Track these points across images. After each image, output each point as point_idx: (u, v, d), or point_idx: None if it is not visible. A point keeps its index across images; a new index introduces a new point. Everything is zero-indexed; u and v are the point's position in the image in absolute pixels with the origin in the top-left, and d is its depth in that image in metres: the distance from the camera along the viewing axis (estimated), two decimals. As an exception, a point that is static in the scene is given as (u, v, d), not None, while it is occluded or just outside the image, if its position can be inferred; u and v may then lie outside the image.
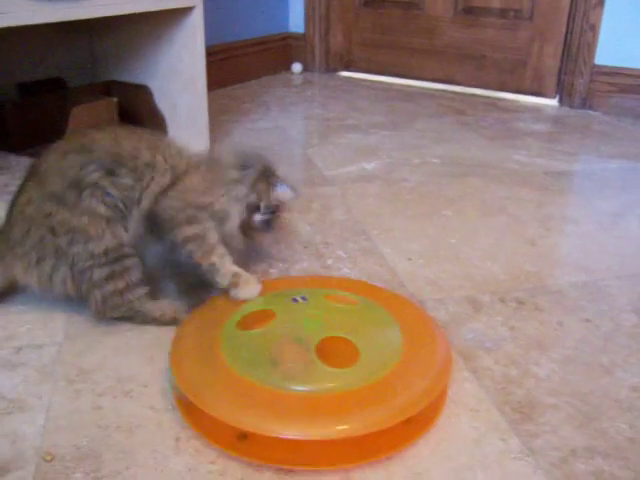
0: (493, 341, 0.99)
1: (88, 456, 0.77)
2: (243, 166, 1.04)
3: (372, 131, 2.06)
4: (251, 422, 0.73)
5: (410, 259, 1.23)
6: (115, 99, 1.62)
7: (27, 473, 0.74)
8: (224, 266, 0.97)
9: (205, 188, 1.00)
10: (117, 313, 0.98)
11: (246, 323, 0.90)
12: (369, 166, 1.73)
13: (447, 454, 0.77)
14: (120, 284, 0.96)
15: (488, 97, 2.55)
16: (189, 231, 0.97)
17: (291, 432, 0.73)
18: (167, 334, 0.95)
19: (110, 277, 0.95)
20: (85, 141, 0.99)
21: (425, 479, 0.73)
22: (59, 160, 0.98)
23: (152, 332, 1.00)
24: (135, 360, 0.93)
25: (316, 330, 0.86)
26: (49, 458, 0.76)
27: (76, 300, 0.99)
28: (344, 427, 0.73)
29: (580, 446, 0.79)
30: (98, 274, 0.95)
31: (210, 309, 0.96)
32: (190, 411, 0.80)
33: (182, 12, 1.61)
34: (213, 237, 0.98)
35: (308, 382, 0.79)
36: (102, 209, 0.95)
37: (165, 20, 1.64)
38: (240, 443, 0.74)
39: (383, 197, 1.53)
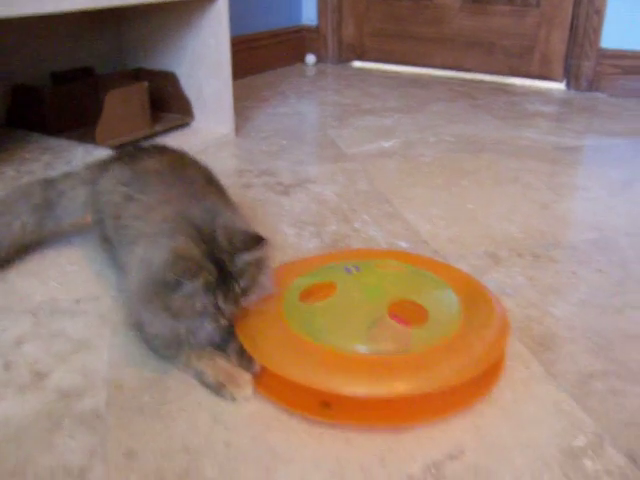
0: (513, 288, 1.07)
1: (153, 384, 0.85)
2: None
3: (387, 114, 2.14)
4: (340, 386, 0.74)
5: (431, 221, 1.32)
6: (146, 83, 1.71)
7: (100, 398, 0.83)
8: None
9: None
10: None
11: (309, 295, 0.91)
12: (387, 144, 1.82)
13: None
14: None
15: (497, 82, 2.63)
16: None
17: (379, 391, 0.75)
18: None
19: None
20: None
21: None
22: None
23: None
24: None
25: (382, 295, 0.87)
26: (118, 385, 0.85)
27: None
28: (438, 381, 0.75)
29: (597, 370, 0.87)
30: None
31: None
32: (266, 382, 0.82)
33: (208, 0, 1.70)
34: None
35: (386, 343, 0.80)
36: None
37: (192, 8, 1.73)
38: (324, 410, 0.77)
39: (402, 170, 1.62)
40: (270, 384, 0.81)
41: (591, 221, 1.33)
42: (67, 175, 1.18)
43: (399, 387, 0.74)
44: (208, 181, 1.06)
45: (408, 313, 0.86)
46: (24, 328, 0.97)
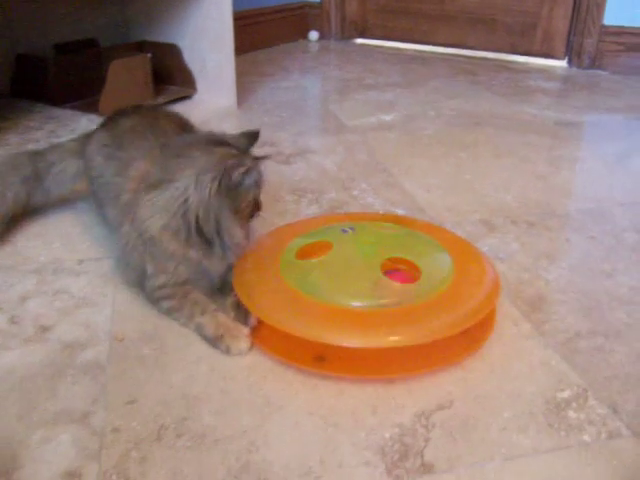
0: (506, 253, 1.09)
1: (153, 337, 0.88)
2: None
3: (388, 89, 2.16)
4: (334, 338, 0.77)
5: (429, 190, 1.34)
6: (149, 54, 1.73)
7: (102, 349, 0.85)
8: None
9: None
10: None
11: (305, 254, 0.92)
12: (388, 117, 1.83)
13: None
14: None
15: (499, 60, 2.64)
16: None
17: (372, 342, 0.78)
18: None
19: None
20: None
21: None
22: None
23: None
24: (186, 267, 1.04)
25: (376, 253, 0.90)
26: (120, 338, 0.88)
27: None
28: (429, 333, 0.78)
29: (584, 329, 0.90)
30: None
31: (261, 248, 0.97)
32: (263, 335, 0.84)
33: (211, -28, 1.71)
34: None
35: (379, 298, 0.82)
36: None
37: (195, -20, 1.74)
38: (318, 362, 0.80)
39: (402, 142, 1.63)
40: (266, 337, 0.84)
41: (587, 192, 1.35)
42: (55, 147, 1.20)
43: (391, 339, 0.77)
44: (182, 128, 1.11)
45: (401, 270, 0.89)
46: (28, 286, 0.99)
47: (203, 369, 0.82)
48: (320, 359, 0.80)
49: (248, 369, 0.82)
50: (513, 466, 0.67)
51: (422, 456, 0.69)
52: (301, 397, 0.77)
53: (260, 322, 0.84)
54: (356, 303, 0.82)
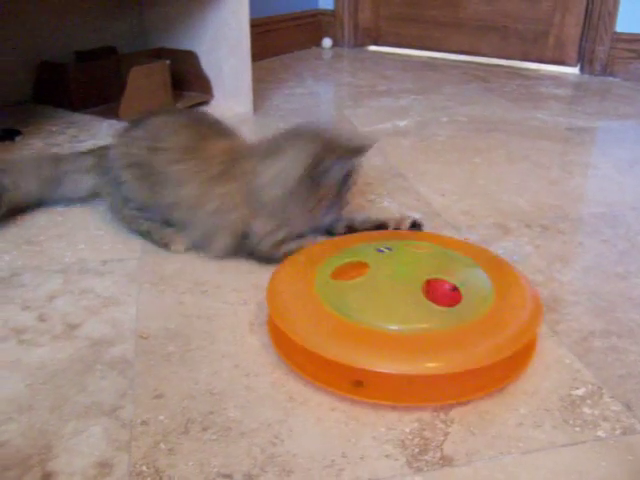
0: (520, 255, 1.12)
1: (177, 335, 0.91)
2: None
3: (402, 95, 2.18)
4: (372, 363, 0.75)
5: (444, 195, 1.36)
6: (168, 61, 1.76)
7: (129, 346, 0.88)
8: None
9: None
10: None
11: (341, 274, 0.91)
12: (402, 123, 1.86)
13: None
14: None
15: (511, 67, 2.66)
16: None
17: (410, 369, 0.76)
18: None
19: None
20: None
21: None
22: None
23: (215, 259, 1.13)
24: (207, 269, 1.07)
25: (416, 274, 0.88)
26: (145, 336, 0.90)
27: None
28: (471, 360, 0.76)
29: (598, 329, 0.92)
30: None
31: (295, 267, 0.97)
32: (299, 359, 0.82)
33: (228, -20, 1.75)
34: None
35: (422, 322, 0.81)
36: None
37: (212, -12, 1.77)
38: (355, 388, 0.77)
39: (416, 148, 1.66)
40: (302, 361, 0.82)
41: (599, 197, 1.37)
42: (77, 156, 1.26)
43: (429, 365, 0.76)
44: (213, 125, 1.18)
45: (442, 292, 0.87)
46: (55, 285, 1.02)
47: (227, 366, 0.84)
48: (358, 384, 0.77)
49: (271, 365, 0.84)
50: (530, 460, 0.69)
51: (442, 450, 0.71)
52: (323, 394, 0.79)
53: (294, 345, 0.81)
54: (395, 327, 0.80)
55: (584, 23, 2.45)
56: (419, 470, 0.68)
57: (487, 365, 0.76)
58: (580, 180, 1.46)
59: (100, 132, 1.55)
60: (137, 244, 1.15)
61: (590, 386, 0.80)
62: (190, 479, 0.67)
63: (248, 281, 1.03)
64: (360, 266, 0.91)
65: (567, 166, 1.54)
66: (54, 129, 1.57)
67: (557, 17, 2.50)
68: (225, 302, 0.98)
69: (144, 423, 0.74)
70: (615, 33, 2.39)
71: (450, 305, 0.84)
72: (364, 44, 3.00)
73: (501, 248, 1.13)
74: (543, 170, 1.51)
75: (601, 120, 1.93)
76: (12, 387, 0.80)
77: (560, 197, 1.36)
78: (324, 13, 2.99)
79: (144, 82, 1.70)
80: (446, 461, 0.69)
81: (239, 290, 1.01)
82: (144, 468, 0.68)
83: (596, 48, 2.44)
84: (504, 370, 0.80)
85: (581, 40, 2.48)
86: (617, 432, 0.73)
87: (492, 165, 1.54)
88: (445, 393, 0.78)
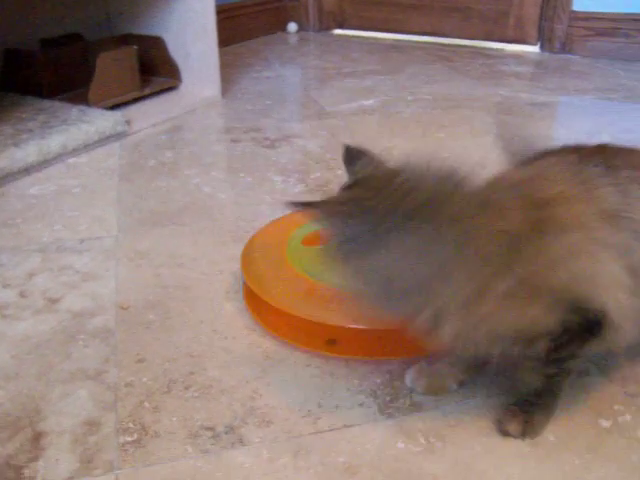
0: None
1: (156, 305, 0.94)
2: None
3: (367, 76, 2.22)
4: (343, 321, 0.80)
5: (410, 168, 1.40)
6: (135, 47, 1.78)
7: (110, 316, 0.91)
8: None
9: None
10: None
11: (310, 241, 0.95)
12: (367, 102, 1.90)
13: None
14: None
15: (474, 47, 2.71)
16: None
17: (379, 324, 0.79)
18: (201, 224, 1.12)
19: None
20: None
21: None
22: None
23: (190, 225, 1.17)
24: (182, 243, 1.11)
25: None
26: (125, 307, 0.94)
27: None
28: None
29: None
30: None
31: (266, 236, 1.00)
32: (273, 320, 0.87)
33: (193, -35, 1.77)
34: None
35: None
36: None
37: (177, -27, 1.79)
38: (330, 346, 0.82)
39: (382, 125, 1.70)
40: (278, 323, 0.86)
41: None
42: None
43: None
44: None
45: None
46: (34, 264, 1.05)
47: (206, 330, 0.88)
48: (331, 342, 0.82)
49: (248, 329, 0.88)
50: (492, 401, 0.74)
51: (411, 397, 0.76)
52: (298, 353, 0.83)
53: (270, 309, 0.86)
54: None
55: (542, 2, 2.51)
56: (391, 416, 0.73)
57: None
58: (540, 151, 1.52)
59: (70, 118, 1.56)
60: (113, 223, 1.18)
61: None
62: (175, 433, 0.71)
63: (222, 253, 1.07)
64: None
65: (529, 139, 1.59)
66: (24, 116, 1.58)
67: (517, -3, 2.56)
68: (201, 273, 1.02)
69: (128, 385, 0.78)
70: (572, 12, 2.45)
71: None
72: (329, 28, 3.03)
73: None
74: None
75: (561, 95, 1.99)
76: (-2, 357, 0.83)
77: (521, 167, 1.41)
78: (289, -2, 3.01)
79: (112, 68, 1.71)
80: (415, 407, 0.74)
81: (214, 262, 1.05)
82: (130, 425, 0.72)
83: (555, 27, 2.50)
84: None
85: (540, 19, 2.54)
86: (573, 375, 0.78)
87: (456, 139, 1.59)
88: (412, 346, 0.82)
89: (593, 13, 2.41)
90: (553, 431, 0.70)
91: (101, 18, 2.04)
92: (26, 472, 0.66)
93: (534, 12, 2.52)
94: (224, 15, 2.51)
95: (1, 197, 1.29)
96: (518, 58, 2.49)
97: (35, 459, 0.68)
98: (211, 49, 1.86)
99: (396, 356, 0.82)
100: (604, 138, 1.55)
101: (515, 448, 0.68)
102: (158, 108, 1.81)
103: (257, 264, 0.93)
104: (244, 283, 0.93)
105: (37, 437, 0.70)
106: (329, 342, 0.82)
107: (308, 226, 0.99)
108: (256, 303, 0.89)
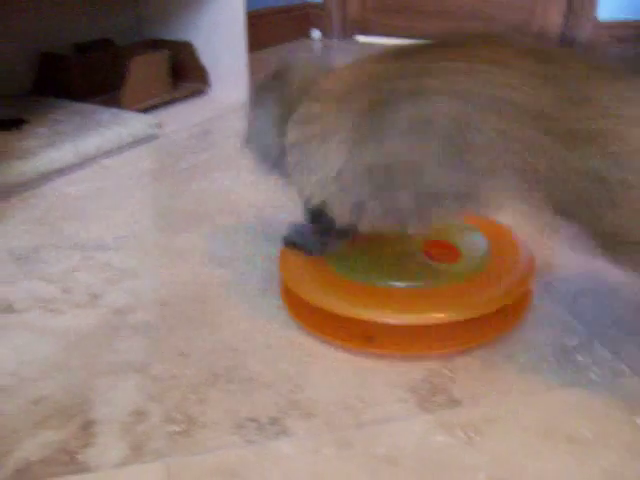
0: (513, 225, 1.18)
1: (195, 301, 0.96)
2: None
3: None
4: (381, 317, 0.82)
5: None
6: (167, 51, 1.81)
7: (151, 312, 0.94)
8: None
9: None
10: None
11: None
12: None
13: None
14: None
15: (497, 55, 2.73)
16: None
17: (414, 319, 0.82)
18: (234, 224, 1.15)
19: None
20: None
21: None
22: None
23: (223, 226, 1.19)
24: (217, 242, 1.13)
25: (417, 236, 0.95)
26: (165, 302, 0.96)
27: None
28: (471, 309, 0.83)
29: (586, 289, 0.99)
30: None
31: None
32: (310, 317, 0.89)
33: (223, -28, 1.80)
34: None
35: (423, 279, 0.87)
36: None
37: (208, -20, 1.83)
38: (368, 342, 0.85)
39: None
40: (318, 321, 0.88)
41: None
42: None
43: (437, 316, 0.82)
44: None
45: (441, 251, 0.94)
46: (74, 261, 1.08)
47: (245, 326, 0.90)
48: (369, 339, 0.85)
49: (286, 326, 0.90)
50: (529, 399, 0.76)
51: (449, 393, 0.77)
52: (337, 348, 0.85)
53: (306, 305, 0.88)
54: (398, 284, 0.86)
55: (566, 11, 2.52)
56: (429, 410, 0.75)
57: (484, 315, 0.83)
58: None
59: (103, 120, 1.60)
60: (149, 223, 1.21)
61: (582, 337, 0.87)
62: (221, 424, 0.73)
63: (257, 252, 1.09)
64: None
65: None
66: (58, 118, 1.62)
67: (539, 6, 2.57)
68: (237, 271, 1.04)
69: (173, 377, 0.80)
70: (596, 20, 2.46)
71: (449, 263, 0.91)
72: (352, 35, 3.06)
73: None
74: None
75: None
76: (46, 349, 0.86)
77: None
78: (312, 5, 3.05)
79: (145, 72, 1.75)
80: (454, 402, 0.76)
81: (249, 261, 1.07)
82: (177, 415, 0.74)
83: (578, 35, 2.52)
84: (499, 320, 0.87)
85: (564, 28, 2.56)
86: (607, 375, 0.80)
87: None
88: (447, 341, 0.85)
89: (617, 22, 2.42)
90: (590, 428, 0.72)
91: (131, 23, 2.08)
92: (80, 457, 0.68)
93: (558, 21, 2.54)
94: (249, 21, 2.55)
95: (40, 197, 1.32)
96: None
97: (87, 446, 0.70)
98: (240, 55, 1.89)
99: (431, 351, 0.84)
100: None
101: (552, 444, 0.70)
102: (187, 112, 1.84)
103: (294, 262, 0.94)
104: (283, 284, 0.95)
105: (88, 425, 0.73)
106: (367, 339, 0.84)
107: None
108: (293, 300, 0.91)
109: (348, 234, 0.88)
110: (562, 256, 1.08)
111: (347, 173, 0.78)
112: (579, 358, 0.83)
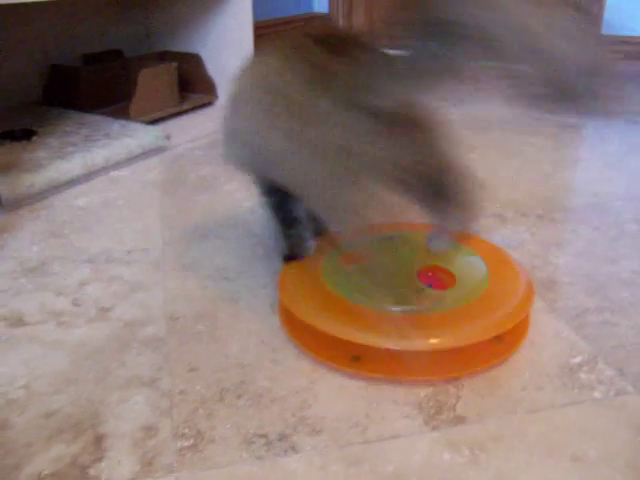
0: (518, 241, 1.20)
1: (204, 316, 0.98)
2: None
3: (398, 95, 2.26)
4: (370, 340, 0.82)
5: (443, 188, 1.44)
6: (175, 64, 1.83)
7: (160, 326, 0.95)
8: None
9: None
10: None
11: (347, 258, 0.98)
12: (399, 122, 1.93)
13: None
14: None
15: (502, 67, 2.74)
16: None
17: (404, 345, 0.82)
18: (243, 238, 1.16)
19: None
20: None
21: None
22: None
23: (232, 239, 1.21)
24: (226, 256, 1.15)
25: (413, 261, 0.96)
26: (175, 317, 0.97)
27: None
28: (449, 339, 0.82)
29: (592, 306, 1.00)
30: None
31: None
32: (302, 334, 0.90)
33: (232, -14, 1.82)
34: None
35: (417, 303, 0.88)
36: None
37: (217, -7, 1.85)
38: (354, 362, 0.85)
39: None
40: (306, 336, 0.90)
41: (589, 188, 1.45)
42: None
43: (426, 341, 0.82)
44: None
45: (436, 277, 0.95)
46: (84, 274, 1.09)
47: (254, 342, 0.91)
48: (356, 358, 0.85)
49: (293, 342, 0.91)
50: (534, 417, 0.77)
51: (455, 410, 0.78)
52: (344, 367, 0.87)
53: (301, 324, 0.88)
54: (393, 308, 0.87)
55: (571, 25, 2.54)
56: (435, 428, 0.76)
57: (471, 344, 0.83)
58: (571, 173, 1.55)
59: (112, 131, 1.62)
60: (158, 236, 1.22)
61: (586, 355, 0.88)
62: (230, 439, 0.74)
63: (265, 267, 1.11)
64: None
65: (558, 161, 1.63)
66: (68, 129, 1.64)
67: (545, 19, 2.59)
68: (246, 286, 1.06)
69: (182, 392, 0.82)
70: (601, 36, 2.47)
71: (443, 289, 0.92)
72: (358, 46, 3.08)
73: (500, 236, 1.21)
74: (536, 164, 1.60)
75: (591, 119, 2.02)
76: (57, 363, 0.87)
77: (553, 189, 1.44)
78: (319, 16, 3.07)
79: (153, 83, 1.77)
80: (459, 420, 0.77)
81: (257, 275, 1.08)
82: (186, 430, 0.75)
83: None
84: (490, 350, 0.87)
85: (568, 41, 2.57)
86: (611, 393, 0.81)
87: (487, 160, 1.62)
88: (434, 369, 0.85)
89: (622, 37, 2.43)
90: (594, 447, 0.73)
91: (140, 35, 2.10)
92: (91, 472, 0.69)
93: (562, 34, 2.55)
94: (256, 32, 2.57)
95: (49, 208, 1.34)
96: (546, 80, 2.51)
97: (98, 460, 0.71)
98: (247, 67, 1.90)
99: (419, 377, 0.84)
100: (632, 160, 1.58)
101: (557, 462, 0.71)
102: (195, 123, 1.86)
103: (292, 278, 0.96)
104: (280, 301, 0.96)
105: (99, 439, 0.74)
106: (354, 358, 0.85)
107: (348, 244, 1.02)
108: (287, 317, 0.93)
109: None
110: (567, 274, 1.09)
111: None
112: (583, 376, 0.84)
